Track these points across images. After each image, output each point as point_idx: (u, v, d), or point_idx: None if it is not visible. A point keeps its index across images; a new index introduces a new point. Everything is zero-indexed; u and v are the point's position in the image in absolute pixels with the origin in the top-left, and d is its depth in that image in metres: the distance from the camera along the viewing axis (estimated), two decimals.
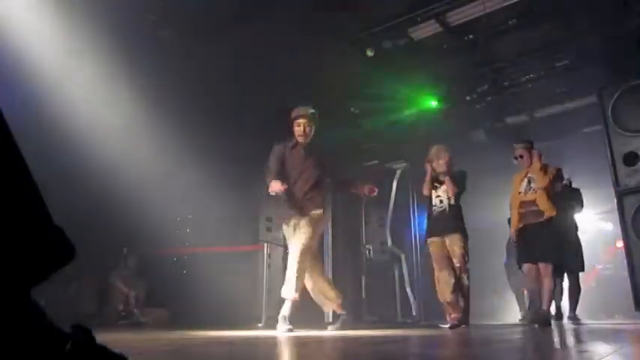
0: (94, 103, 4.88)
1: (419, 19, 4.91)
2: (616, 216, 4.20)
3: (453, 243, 4.31)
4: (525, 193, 4.42)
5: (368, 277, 6.89)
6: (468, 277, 4.31)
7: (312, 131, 3.97)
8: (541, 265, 4.19)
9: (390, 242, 7.05)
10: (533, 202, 4.30)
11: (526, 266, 4.33)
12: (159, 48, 4.82)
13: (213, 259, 5.75)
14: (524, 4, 4.61)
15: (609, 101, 3.95)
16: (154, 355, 1.65)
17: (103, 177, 4.92)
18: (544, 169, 4.34)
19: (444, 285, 4.26)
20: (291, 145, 3.97)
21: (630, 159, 3.79)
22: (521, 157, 4.52)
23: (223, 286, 5.42)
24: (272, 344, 2.39)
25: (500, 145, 6.97)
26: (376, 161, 7.24)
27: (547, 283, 4.18)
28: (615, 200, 4.10)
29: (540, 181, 4.28)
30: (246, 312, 5.39)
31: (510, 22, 4.91)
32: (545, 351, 2.04)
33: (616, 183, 3.84)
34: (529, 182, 4.43)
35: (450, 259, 4.31)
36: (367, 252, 7.02)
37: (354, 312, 6.75)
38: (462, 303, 4.23)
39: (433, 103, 6.26)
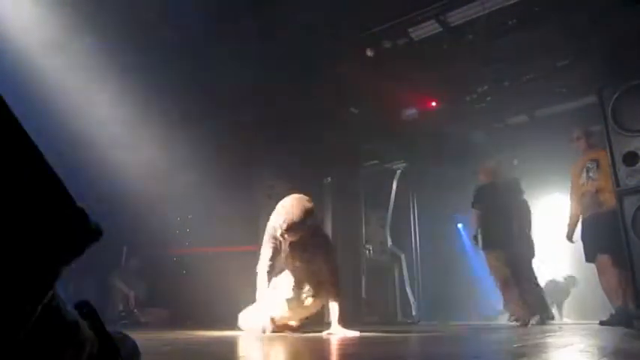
0: (95, 104, 4.88)
1: (419, 19, 4.91)
2: None
3: None
4: (586, 183, 4.52)
5: (368, 277, 6.88)
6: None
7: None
8: (611, 258, 4.17)
9: (390, 242, 7.04)
10: (594, 192, 4.42)
11: (605, 257, 4.26)
12: (160, 46, 4.82)
13: (214, 259, 5.75)
14: (524, 4, 4.61)
15: (609, 101, 3.93)
16: (153, 355, 1.65)
17: (102, 177, 4.92)
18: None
19: None
20: None
21: (630, 159, 3.77)
22: (578, 139, 4.65)
23: (223, 286, 5.42)
24: (272, 344, 2.39)
25: (500, 145, 6.98)
26: (376, 161, 7.24)
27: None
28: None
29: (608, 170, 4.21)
30: None
31: (510, 22, 4.91)
32: None
33: (616, 183, 3.83)
34: (587, 172, 4.53)
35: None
36: (367, 252, 7.01)
37: (354, 312, 6.74)
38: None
39: (433, 103, 6.26)
